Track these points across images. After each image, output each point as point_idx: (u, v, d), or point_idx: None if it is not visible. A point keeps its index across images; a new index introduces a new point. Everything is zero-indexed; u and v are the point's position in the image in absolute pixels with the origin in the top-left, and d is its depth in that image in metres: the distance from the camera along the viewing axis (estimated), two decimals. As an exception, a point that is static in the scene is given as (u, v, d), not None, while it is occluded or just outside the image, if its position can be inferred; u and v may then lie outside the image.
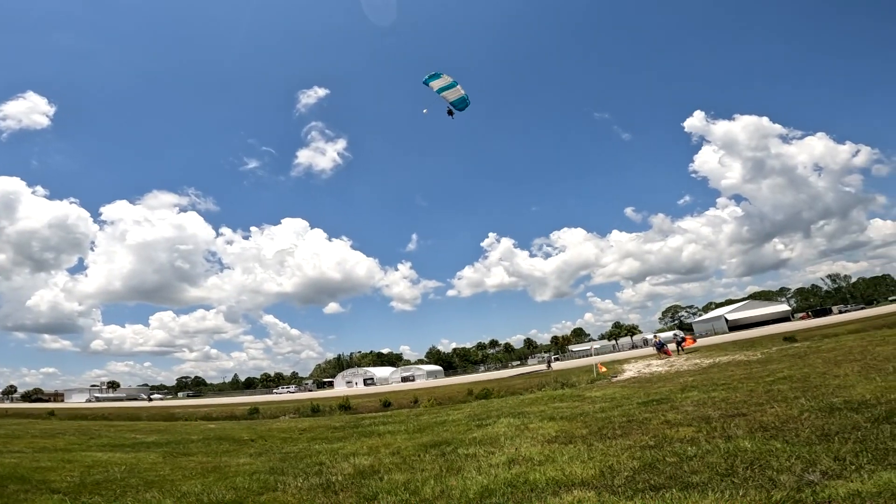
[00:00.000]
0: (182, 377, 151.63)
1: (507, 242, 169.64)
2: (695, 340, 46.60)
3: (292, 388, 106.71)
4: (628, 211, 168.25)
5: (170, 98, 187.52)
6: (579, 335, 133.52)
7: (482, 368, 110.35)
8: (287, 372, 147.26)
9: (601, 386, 17.34)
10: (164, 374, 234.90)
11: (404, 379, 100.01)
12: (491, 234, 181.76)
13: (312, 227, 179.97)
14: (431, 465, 7.25)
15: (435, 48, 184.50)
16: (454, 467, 6.78)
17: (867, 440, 4.33)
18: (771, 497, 3.31)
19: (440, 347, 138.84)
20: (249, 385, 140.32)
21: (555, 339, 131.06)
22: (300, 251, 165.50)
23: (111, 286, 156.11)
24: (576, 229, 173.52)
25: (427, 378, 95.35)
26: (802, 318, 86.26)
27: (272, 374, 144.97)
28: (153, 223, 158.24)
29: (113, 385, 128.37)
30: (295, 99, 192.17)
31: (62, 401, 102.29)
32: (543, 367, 59.10)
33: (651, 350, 35.84)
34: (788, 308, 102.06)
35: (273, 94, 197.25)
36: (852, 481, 3.32)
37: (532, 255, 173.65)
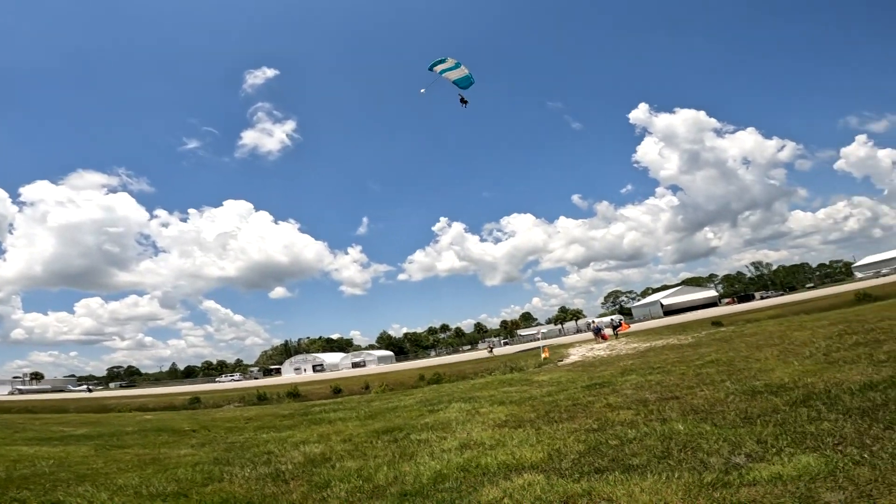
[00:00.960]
0: (114, 367, 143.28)
1: (458, 227, 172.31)
2: (629, 325, 49.67)
3: (236, 376, 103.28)
4: (575, 198, 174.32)
5: (98, 74, 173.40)
6: (528, 319, 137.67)
7: (433, 353, 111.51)
8: (231, 359, 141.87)
9: (548, 370, 18.06)
10: (92, 364, 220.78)
11: (355, 365, 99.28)
12: (442, 219, 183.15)
13: (258, 209, 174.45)
14: (384, 451, 7.29)
15: (390, 32, 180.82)
16: (407, 453, 6.85)
17: (786, 423, 4.80)
18: (703, 479, 3.61)
19: (391, 332, 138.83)
20: (189, 374, 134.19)
21: (504, 323, 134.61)
22: (244, 234, 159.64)
23: (32, 271, 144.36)
24: (525, 215, 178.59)
25: (378, 363, 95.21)
26: (728, 303, 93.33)
27: (214, 361, 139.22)
28: (78, 204, 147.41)
29: (37, 376, 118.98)
30: (241, 79, 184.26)
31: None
32: (486, 352, 60.93)
33: (607, 331, 38.22)
34: (716, 294, 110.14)
35: (217, 74, 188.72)
36: (774, 464, 3.67)
37: (483, 240, 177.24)
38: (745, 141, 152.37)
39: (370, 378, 34.95)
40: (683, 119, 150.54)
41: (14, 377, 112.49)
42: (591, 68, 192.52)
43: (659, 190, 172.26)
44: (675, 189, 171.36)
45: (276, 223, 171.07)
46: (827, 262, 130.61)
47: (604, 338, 33.33)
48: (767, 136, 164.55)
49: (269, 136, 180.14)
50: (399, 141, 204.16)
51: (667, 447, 4.73)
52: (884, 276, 79.26)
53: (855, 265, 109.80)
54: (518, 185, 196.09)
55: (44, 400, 45.79)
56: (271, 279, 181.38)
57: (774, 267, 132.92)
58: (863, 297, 29.31)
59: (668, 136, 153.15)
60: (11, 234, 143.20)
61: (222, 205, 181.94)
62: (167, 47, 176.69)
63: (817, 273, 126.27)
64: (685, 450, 4.53)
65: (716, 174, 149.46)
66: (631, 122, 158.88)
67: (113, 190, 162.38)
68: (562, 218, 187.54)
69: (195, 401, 30.43)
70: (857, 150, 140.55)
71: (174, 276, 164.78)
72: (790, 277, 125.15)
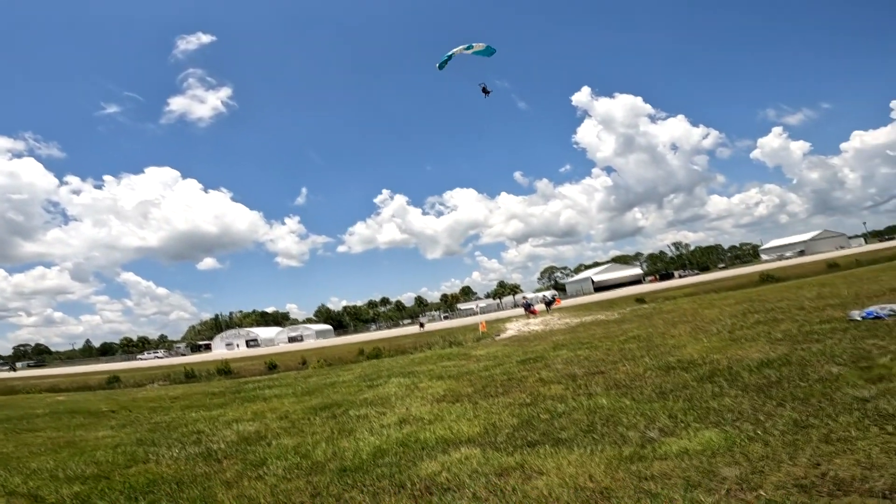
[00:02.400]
0: (20, 345, 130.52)
1: (400, 199, 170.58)
2: (561, 301, 52.82)
3: (160, 352, 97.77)
4: (517, 175, 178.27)
5: (2, 33, 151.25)
6: (467, 294, 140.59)
7: (373, 327, 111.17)
8: (153, 335, 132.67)
9: (485, 344, 18.67)
10: None
11: (292, 339, 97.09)
12: (385, 191, 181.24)
13: (185, 177, 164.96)
14: (322, 427, 7.28)
15: (336, 2, 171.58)
16: (346, 429, 6.89)
17: (693, 399, 5.34)
18: (622, 453, 3.96)
19: (330, 306, 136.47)
20: (106, 352, 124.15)
21: (444, 297, 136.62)
22: (168, 203, 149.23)
23: None
24: (468, 190, 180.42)
25: (317, 338, 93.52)
26: (651, 280, 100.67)
27: (134, 338, 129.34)
28: None
29: None
30: (171, 45, 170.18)
31: None
32: (416, 327, 62.22)
33: (539, 307, 40.14)
34: (641, 272, 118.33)
35: (144, 39, 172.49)
36: (682, 438, 4.09)
37: (425, 213, 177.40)
38: (675, 128, 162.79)
39: (307, 353, 34.40)
40: (622, 104, 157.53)
41: None
42: (539, 51, 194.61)
43: (595, 171, 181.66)
44: (609, 170, 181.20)
45: (205, 192, 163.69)
46: (737, 245, 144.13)
47: (533, 313, 35.01)
48: (694, 124, 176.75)
49: (201, 103, 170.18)
50: (341, 112, 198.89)
51: (592, 421, 5.12)
52: (786, 259, 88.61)
53: (762, 248, 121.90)
54: (462, 161, 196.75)
55: None
56: (199, 250, 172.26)
57: (692, 247, 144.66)
58: (766, 278, 32.50)
59: (606, 120, 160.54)
60: None
61: (143, 172, 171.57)
62: (87, 11, 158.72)
63: (728, 255, 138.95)
64: (608, 424, 4.93)
65: (647, 158, 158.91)
66: (573, 104, 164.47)
67: (18, 155, 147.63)
68: (503, 194, 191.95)
69: (114, 380, 28.54)
70: (772, 141, 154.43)
71: (87, 246, 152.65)
72: (705, 258, 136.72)
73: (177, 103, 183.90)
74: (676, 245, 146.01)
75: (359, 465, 4.95)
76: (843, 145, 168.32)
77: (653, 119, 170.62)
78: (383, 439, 5.92)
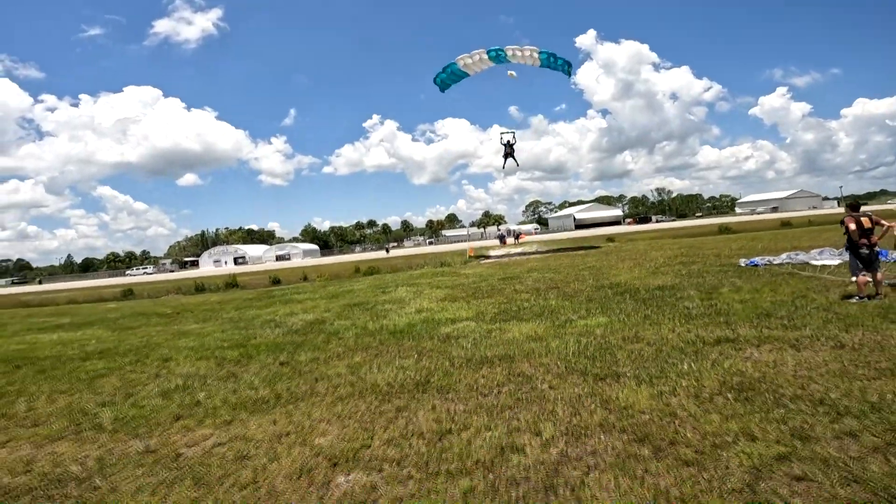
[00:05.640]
0: (1, 260, 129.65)
1: (391, 125, 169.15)
2: (525, 236, 57.89)
3: (149, 268, 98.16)
4: (512, 109, 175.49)
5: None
6: (452, 221, 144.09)
7: (358, 249, 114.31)
8: (129, 250, 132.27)
9: (472, 266, 22.14)
10: None
11: (279, 258, 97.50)
12: (375, 116, 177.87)
13: (167, 96, 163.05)
14: (361, 315, 10.44)
15: None
16: (380, 315, 10.13)
17: (604, 302, 8.74)
18: (554, 324, 7.32)
19: (314, 226, 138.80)
20: (88, 267, 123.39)
21: (430, 223, 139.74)
22: (149, 120, 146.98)
23: None
24: (460, 120, 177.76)
25: (304, 257, 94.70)
26: (630, 223, 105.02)
27: (121, 252, 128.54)
28: None
29: None
30: None
31: None
32: (382, 252, 66.44)
33: (510, 239, 45.25)
34: (621, 213, 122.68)
35: None
36: (586, 319, 7.46)
37: (415, 140, 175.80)
38: (678, 78, 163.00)
39: (306, 270, 37.37)
40: (626, 50, 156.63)
41: None
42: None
43: (590, 112, 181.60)
44: (605, 113, 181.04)
45: (188, 110, 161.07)
46: (717, 196, 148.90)
47: (504, 244, 39.67)
48: (698, 77, 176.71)
49: (189, 25, 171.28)
50: (334, 37, 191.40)
51: (542, 311, 8.51)
52: (757, 213, 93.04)
53: (738, 201, 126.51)
54: (456, 92, 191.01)
55: None
56: (179, 167, 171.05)
57: (674, 195, 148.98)
58: (724, 229, 36.09)
59: (608, 65, 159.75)
60: None
61: (122, 91, 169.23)
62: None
63: (707, 205, 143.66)
64: (551, 313, 8.30)
65: (644, 104, 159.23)
66: (577, 45, 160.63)
67: None
68: (495, 126, 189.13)
69: (129, 293, 28.87)
70: (773, 100, 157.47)
71: (61, 161, 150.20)
72: (684, 206, 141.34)
73: (162, 25, 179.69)
74: (659, 191, 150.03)
75: (400, 331, 8.18)
76: (844, 111, 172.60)
77: (656, 68, 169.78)
78: (410, 319, 9.21)
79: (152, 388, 5.92)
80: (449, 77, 21.02)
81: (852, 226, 6.81)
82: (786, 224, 38.38)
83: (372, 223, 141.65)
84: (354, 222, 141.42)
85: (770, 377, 4.29)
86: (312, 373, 5.98)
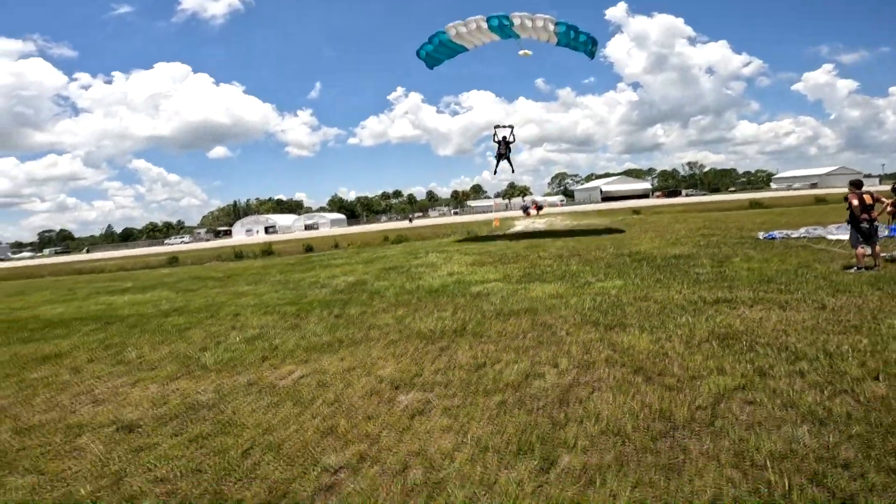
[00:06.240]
0: (45, 231, 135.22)
1: (415, 97, 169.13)
2: (543, 208, 58.72)
3: (186, 237, 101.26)
4: (539, 82, 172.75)
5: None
6: (477, 192, 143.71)
7: (384, 218, 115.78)
8: (167, 220, 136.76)
9: (497, 235, 23.00)
10: (11, 229, 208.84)
11: (308, 227, 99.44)
12: (399, 88, 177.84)
13: (196, 72, 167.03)
14: (397, 277, 11.48)
15: None
16: (414, 278, 11.14)
17: (621, 268, 9.54)
18: (573, 285, 8.19)
19: (340, 195, 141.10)
20: (128, 237, 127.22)
21: (455, 193, 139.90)
22: (180, 95, 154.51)
23: None
24: (485, 92, 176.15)
25: (331, 226, 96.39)
26: (658, 196, 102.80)
27: (141, 223, 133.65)
28: None
29: None
30: None
31: None
32: (405, 222, 67.79)
33: (533, 210, 46.42)
34: (650, 186, 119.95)
35: None
36: (604, 282, 8.31)
37: (439, 112, 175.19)
38: (714, 52, 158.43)
39: (337, 238, 38.77)
40: (659, 23, 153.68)
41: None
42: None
43: (620, 85, 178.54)
44: (636, 86, 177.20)
45: (216, 85, 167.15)
46: (753, 171, 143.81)
47: (528, 215, 40.45)
48: (737, 52, 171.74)
49: (215, 1, 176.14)
50: (359, 10, 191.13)
51: (563, 274, 9.39)
52: (794, 189, 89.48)
53: (775, 177, 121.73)
54: (481, 65, 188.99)
55: (8, 268, 42.57)
56: (209, 140, 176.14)
57: (706, 168, 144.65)
58: (755, 204, 35.55)
59: (639, 38, 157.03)
60: None
61: (153, 67, 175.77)
62: None
63: (742, 179, 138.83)
64: (572, 276, 9.17)
65: (677, 78, 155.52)
66: (606, 18, 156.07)
67: (26, 56, 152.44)
68: (521, 99, 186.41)
69: (174, 260, 30.60)
70: (819, 77, 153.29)
71: (97, 136, 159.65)
72: (717, 180, 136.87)
73: (189, 2, 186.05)
74: (691, 164, 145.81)
75: (435, 290, 9.20)
76: (893, 88, 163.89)
77: (692, 42, 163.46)
78: (443, 280, 10.21)
79: (234, 336, 6.94)
80: (437, 50, 17.21)
81: (855, 201, 7.35)
82: (820, 200, 37.35)
83: (398, 193, 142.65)
84: (380, 192, 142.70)
85: (752, 330, 5.12)
86: (364, 323, 7.04)
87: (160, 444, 3.73)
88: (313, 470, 3.17)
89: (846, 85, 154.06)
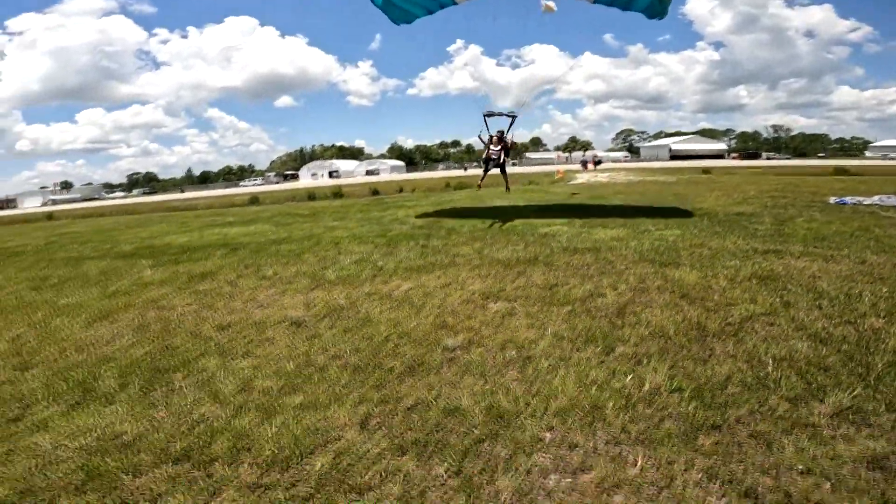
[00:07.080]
0: (133, 173, 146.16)
1: (475, 49, 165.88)
2: (597, 164, 57.58)
3: (259, 180, 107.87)
4: (607, 37, 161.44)
5: None
6: (536, 144, 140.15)
7: (441, 167, 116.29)
8: (235, 165, 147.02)
9: (560, 186, 23.50)
10: (99, 172, 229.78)
11: (369, 172, 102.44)
12: (459, 41, 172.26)
13: (263, 25, 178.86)
14: (469, 217, 12.75)
15: None
16: (484, 218, 12.33)
17: (683, 220, 10.21)
18: (633, 232, 9.05)
19: (399, 143, 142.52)
20: (206, 179, 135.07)
21: (514, 144, 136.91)
22: (249, 48, 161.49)
23: (28, 89, 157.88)
24: (548, 46, 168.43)
25: (391, 172, 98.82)
26: (734, 157, 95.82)
27: (215, 167, 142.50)
28: (68, 28, 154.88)
29: (66, 185, 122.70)
30: None
31: (15, 206, 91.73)
32: (461, 171, 67.94)
33: (591, 165, 47.38)
34: (726, 147, 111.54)
35: None
36: (664, 230, 9.10)
37: (500, 65, 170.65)
38: (815, 15, 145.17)
39: (401, 183, 40.41)
40: None
41: (42, 188, 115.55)
42: None
43: (700, 44, 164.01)
44: (718, 46, 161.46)
45: (282, 37, 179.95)
46: (847, 138, 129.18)
47: (586, 169, 40.54)
48: (843, 17, 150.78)
49: None
50: None
51: (626, 221, 10.23)
52: (890, 159, 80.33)
53: (872, 145, 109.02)
54: (545, 17, 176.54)
55: (111, 206, 45.76)
56: (276, 90, 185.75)
57: (794, 132, 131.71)
58: (840, 171, 33.08)
59: None
60: (2, 60, 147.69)
61: (223, 21, 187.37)
62: None
63: (834, 146, 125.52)
64: (632, 224, 9.99)
65: (767, 39, 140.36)
66: None
67: (109, 13, 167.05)
68: (587, 54, 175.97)
69: (254, 200, 32.54)
70: None
71: (176, 87, 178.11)
72: (806, 144, 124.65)
73: None
74: (776, 127, 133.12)
75: (505, 229, 10.30)
76: None
77: (790, 4, 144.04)
78: (511, 222, 11.30)
79: (344, 259, 8.15)
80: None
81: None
82: (916, 168, 34.15)
83: (456, 143, 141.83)
84: (438, 142, 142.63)
85: (791, 274, 5.93)
86: (448, 252, 8.34)
87: (323, 333, 4.98)
88: (437, 348, 4.46)
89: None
